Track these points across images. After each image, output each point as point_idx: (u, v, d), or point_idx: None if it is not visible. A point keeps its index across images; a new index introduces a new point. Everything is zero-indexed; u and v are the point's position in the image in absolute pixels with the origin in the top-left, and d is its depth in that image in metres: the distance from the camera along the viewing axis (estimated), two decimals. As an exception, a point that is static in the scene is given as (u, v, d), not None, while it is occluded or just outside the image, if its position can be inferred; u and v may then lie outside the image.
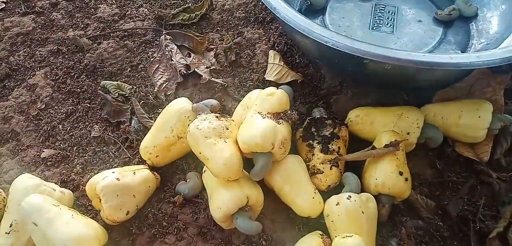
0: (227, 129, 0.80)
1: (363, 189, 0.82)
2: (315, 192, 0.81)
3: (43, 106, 1.03)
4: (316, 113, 0.92)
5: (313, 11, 1.18)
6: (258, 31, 1.19)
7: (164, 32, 1.17)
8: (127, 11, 1.27)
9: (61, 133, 0.99)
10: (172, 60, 1.10)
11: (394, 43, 1.09)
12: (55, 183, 0.86)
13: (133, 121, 0.99)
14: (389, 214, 0.82)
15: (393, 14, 1.16)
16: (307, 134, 0.88)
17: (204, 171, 0.85)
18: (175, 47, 1.14)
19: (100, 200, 0.79)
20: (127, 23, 1.23)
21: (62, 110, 1.03)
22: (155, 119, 0.94)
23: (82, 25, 1.23)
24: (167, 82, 1.07)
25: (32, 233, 0.74)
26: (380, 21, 1.15)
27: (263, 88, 0.89)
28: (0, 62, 1.13)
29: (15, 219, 0.77)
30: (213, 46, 1.16)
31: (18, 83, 1.09)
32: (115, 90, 1.04)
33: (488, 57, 0.79)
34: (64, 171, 0.92)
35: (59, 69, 1.11)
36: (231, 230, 0.81)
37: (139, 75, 1.10)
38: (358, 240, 0.72)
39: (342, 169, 0.86)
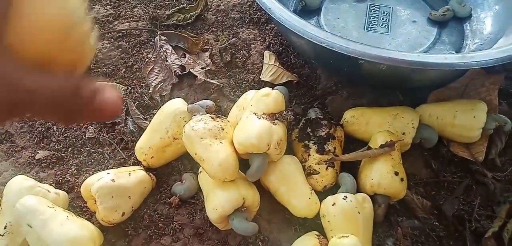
0: (223, 129, 0.80)
1: (359, 189, 0.83)
2: (311, 193, 0.81)
3: (37, 107, 1.03)
4: (312, 113, 0.92)
5: (308, 11, 1.18)
6: (253, 31, 1.19)
7: (158, 33, 1.17)
8: (122, 11, 1.26)
9: (55, 134, 0.98)
10: (167, 61, 1.10)
11: (389, 44, 1.09)
12: (50, 185, 0.85)
13: (128, 123, 0.99)
14: (385, 214, 0.82)
15: (387, 14, 1.17)
16: (302, 135, 0.88)
17: (200, 172, 0.85)
18: (170, 47, 1.14)
19: (95, 201, 0.79)
20: (122, 23, 1.23)
21: (56, 112, 1.02)
22: (150, 120, 0.94)
23: (76, 26, 1.22)
24: (162, 83, 1.07)
25: (26, 235, 0.74)
26: (375, 22, 1.15)
27: (258, 89, 0.89)
28: (-7, 63, 1.12)
29: (9, 220, 0.76)
30: (208, 47, 1.16)
31: (12, 84, 1.08)
32: (110, 91, 1.03)
33: (482, 58, 0.79)
34: (59, 172, 0.91)
35: (53, 70, 1.11)
36: (227, 231, 0.81)
37: (134, 76, 1.10)
38: (354, 240, 0.72)
39: (338, 170, 0.86)
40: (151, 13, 1.24)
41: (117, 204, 0.79)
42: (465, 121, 0.87)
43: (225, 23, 1.23)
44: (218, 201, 0.76)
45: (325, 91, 1.03)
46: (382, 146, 0.82)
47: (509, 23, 1.04)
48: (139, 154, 0.89)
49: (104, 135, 0.97)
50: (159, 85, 1.06)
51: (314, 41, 0.82)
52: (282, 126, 0.82)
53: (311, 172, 0.84)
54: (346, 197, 0.77)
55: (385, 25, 1.14)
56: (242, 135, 0.79)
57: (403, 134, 0.87)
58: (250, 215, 0.80)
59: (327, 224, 0.78)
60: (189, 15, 1.23)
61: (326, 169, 0.84)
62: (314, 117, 0.90)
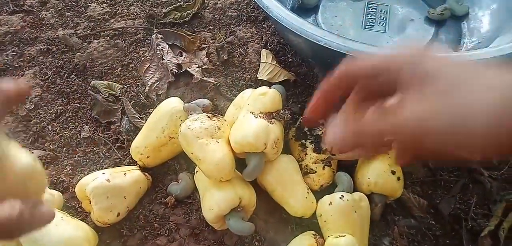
0: (219, 129, 0.79)
1: (355, 189, 0.82)
2: (308, 192, 0.81)
3: (32, 106, 1.02)
4: (309, 112, 0.92)
5: (305, 10, 1.18)
6: (251, 30, 1.19)
7: (155, 31, 1.16)
8: (118, 9, 1.26)
9: (50, 133, 0.98)
10: (163, 59, 1.09)
11: (387, 42, 1.09)
12: (45, 185, 0.85)
13: (123, 122, 0.98)
14: (382, 213, 0.82)
15: (385, 13, 1.16)
16: (299, 133, 0.88)
17: (196, 171, 0.85)
18: (167, 46, 1.13)
19: (90, 201, 0.78)
20: (118, 22, 1.22)
21: (51, 111, 1.01)
22: (146, 120, 0.93)
23: (72, 24, 1.22)
24: (158, 82, 1.06)
25: (21, 235, 0.73)
26: (372, 20, 1.15)
27: (255, 88, 0.89)
28: (-12, 62, 1.11)
29: (3, 221, 0.76)
30: (205, 45, 1.15)
31: (7, 83, 1.07)
32: (105, 90, 1.03)
33: (480, 56, 0.79)
34: (53, 173, 0.90)
35: (49, 69, 1.10)
36: (223, 231, 0.81)
37: (130, 74, 1.09)
38: (351, 240, 0.72)
39: (334, 169, 0.86)
40: (147, 11, 1.24)
41: (112, 204, 0.78)
42: (462, 120, 0.87)
43: (222, 21, 1.22)
44: (214, 201, 0.75)
45: (322, 90, 1.03)
46: (379, 145, 0.82)
47: (506, 22, 1.04)
48: (134, 153, 0.88)
49: (100, 134, 0.97)
50: (156, 84, 1.06)
51: (312, 40, 0.82)
52: (279, 125, 0.82)
53: (308, 171, 0.84)
54: (343, 196, 0.77)
55: (383, 24, 1.14)
56: (239, 134, 0.78)
57: (400, 132, 0.87)
58: (247, 214, 0.79)
59: (323, 223, 0.78)
60: (186, 14, 1.22)
61: (323, 168, 0.83)
62: (311, 116, 0.90)
